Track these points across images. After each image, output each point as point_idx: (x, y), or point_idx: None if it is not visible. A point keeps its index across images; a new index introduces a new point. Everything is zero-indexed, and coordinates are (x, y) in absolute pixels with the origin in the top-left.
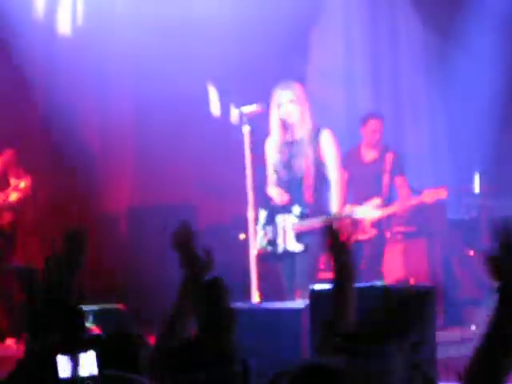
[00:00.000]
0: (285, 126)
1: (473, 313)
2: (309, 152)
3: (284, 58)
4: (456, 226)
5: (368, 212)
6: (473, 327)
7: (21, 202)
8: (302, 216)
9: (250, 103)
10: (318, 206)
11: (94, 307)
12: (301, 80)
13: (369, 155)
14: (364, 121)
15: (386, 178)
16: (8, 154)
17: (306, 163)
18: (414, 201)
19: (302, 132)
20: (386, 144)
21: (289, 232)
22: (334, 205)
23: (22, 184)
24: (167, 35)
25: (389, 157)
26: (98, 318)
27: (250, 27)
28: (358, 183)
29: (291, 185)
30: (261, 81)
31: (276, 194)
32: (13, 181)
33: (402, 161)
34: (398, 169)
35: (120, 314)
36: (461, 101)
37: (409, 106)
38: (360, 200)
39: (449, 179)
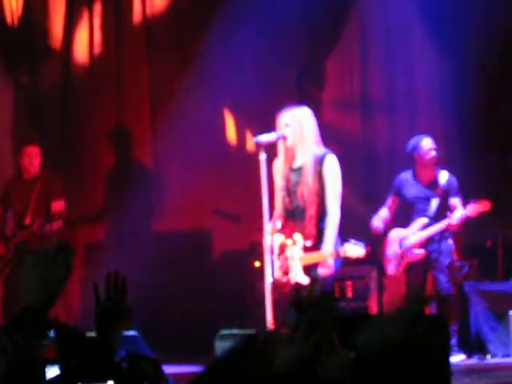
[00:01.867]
0: (288, 151)
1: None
2: (311, 179)
3: (300, 86)
4: (474, 253)
5: (356, 250)
6: (488, 357)
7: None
8: (306, 249)
9: (267, 131)
10: (321, 237)
11: None
12: (316, 108)
13: (423, 177)
14: (416, 144)
15: (438, 199)
16: (52, 176)
17: (309, 191)
18: (462, 214)
19: (303, 158)
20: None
21: (296, 265)
22: (327, 240)
23: (62, 209)
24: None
25: (443, 178)
26: None
27: (268, 55)
28: (410, 206)
29: (295, 214)
30: (277, 109)
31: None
32: (54, 205)
33: (457, 182)
34: (454, 190)
35: (135, 340)
36: (476, 129)
37: (425, 131)
38: (409, 222)
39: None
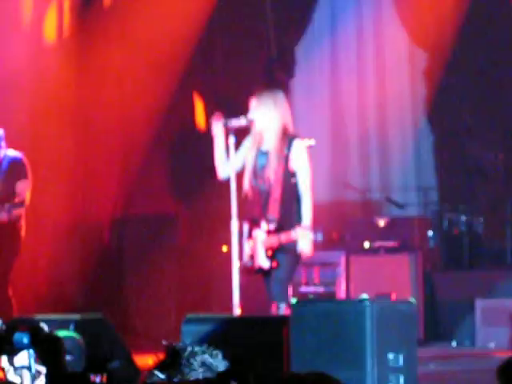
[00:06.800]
0: (256, 134)
1: (454, 328)
2: (277, 163)
3: (270, 72)
4: (439, 241)
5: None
6: (453, 343)
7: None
8: (269, 232)
9: (236, 116)
10: (283, 221)
11: (76, 316)
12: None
13: None
14: None
15: None
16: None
17: (275, 174)
18: None
19: (271, 141)
20: None
21: (260, 248)
22: (306, 218)
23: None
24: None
25: None
26: (80, 327)
27: (239, 42)
28: None
29: (261, 197)
30: (247, 95)
31: None
32: (18, 187)
33: None
34: None
35: (102, 323)
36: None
37: (394, 119)
38: None
39: (434, 195)
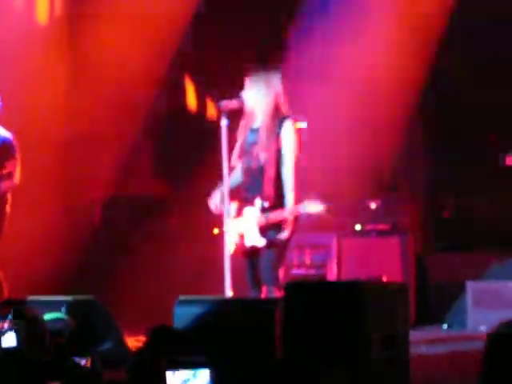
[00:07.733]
0: (248, 113)
1: (445, 311)
2: (269, 141)
3: (261, 54)
4: (430, 224)
5: (315, 206)
6: (444, 326)
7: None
8: (263, 210)
9: (227, 97)
10: (279, 200)
11: (68, 298)
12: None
13: None
14: None
15: None
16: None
17: (267, 153)
18: None
19: (261, 119)
20: None
21: (253, 226)
22: (289, 200)
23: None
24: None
25: None
26: (71, 309)
27: (230, 23)
28: None
29: (251, 174)
30: (237, 77)
31: None
32: (7, 164)
33: None
34: None
35: (94, 304)
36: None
37: (385, 102)
38: None
39: (425, 178)
